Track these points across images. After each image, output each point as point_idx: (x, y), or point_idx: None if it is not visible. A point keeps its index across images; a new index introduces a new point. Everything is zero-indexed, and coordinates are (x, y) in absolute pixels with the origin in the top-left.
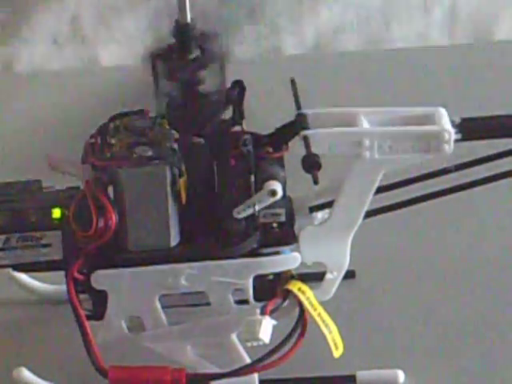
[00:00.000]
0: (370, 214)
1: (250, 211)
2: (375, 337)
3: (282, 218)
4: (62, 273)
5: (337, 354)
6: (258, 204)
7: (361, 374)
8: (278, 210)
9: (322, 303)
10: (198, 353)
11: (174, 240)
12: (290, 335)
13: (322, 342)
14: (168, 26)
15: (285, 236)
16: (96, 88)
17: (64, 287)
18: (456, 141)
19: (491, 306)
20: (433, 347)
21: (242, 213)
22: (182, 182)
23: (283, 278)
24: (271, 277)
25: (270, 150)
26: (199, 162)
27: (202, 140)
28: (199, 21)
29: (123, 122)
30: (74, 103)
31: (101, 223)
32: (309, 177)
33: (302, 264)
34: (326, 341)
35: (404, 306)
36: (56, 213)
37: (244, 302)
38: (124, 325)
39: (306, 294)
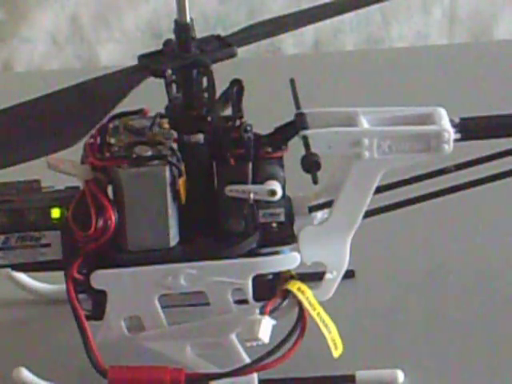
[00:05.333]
0: (369, 213)
1: (242, 195)
2: (375, 337)
3: (282, 218)
4: (62, 273)
5: (336, 353)
6: (253, 194)
7: (360, 374)
8: (277, 210)
9: (322, 303)
10: (197, 353)
11: (174, 240)
12: (289, 335)
13: (322, 341)
14: (167, 25)
15: (284, 236)
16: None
17: (64, 287)
18: (455, 140)
19: (491, 306)
20: (433, 347)
21: (234, 193)
22: (181, 181)
23: (283, 277)
24: (271, 277)
25: (270, 150)
26: (199, 162)
27: (201, 139)
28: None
29: (123, 121)
30: None
31: (100, 223)
32: (309, 177)
33: (302, 264)
34: (325, 341)
35: (404, 305)
36: (55, 213)
37: (243, 301)
38: (123, 325)
39: (306, 294)
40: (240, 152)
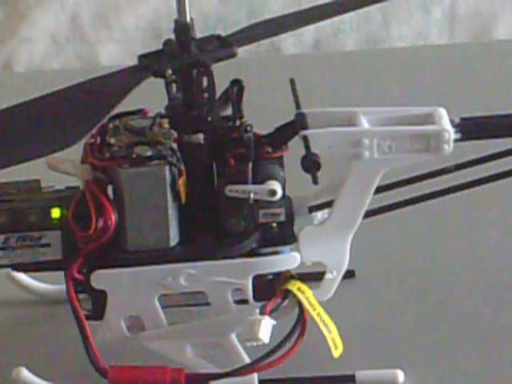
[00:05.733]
0: (369, 213)
1: (242, 195)
2: (375, 337)
3: (282, 218)
4: (62, 273)
5: (336, 353)
6: (253, 194)
7: (360, 374)
8: (277, 210)
9: (322, 303)
10: (197, 353)
11: (174, 240)
12: (289, 335)
13: (322, 341)
14: (167, 25)
15: (284, 236)
16: None
17: (64, 287)
18: (455, 140)
19: (491, 306)
20: (433, 347)
21: (234, 192)
22: (181, 181)
23: (283, 277)
24: (271, 277)
25: (270, 149)
26: (199, 162)
27: (201, 139)
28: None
29: (123, 121)
30: None
31: (100, 223)
32: (309, 177)
33: (302, 264)
34: (325, 341)
35: (404, 305)
36: (55, 213)
37: (243, 301)
38: (123, 325)
39: (306, 294)
40: (240, 152)
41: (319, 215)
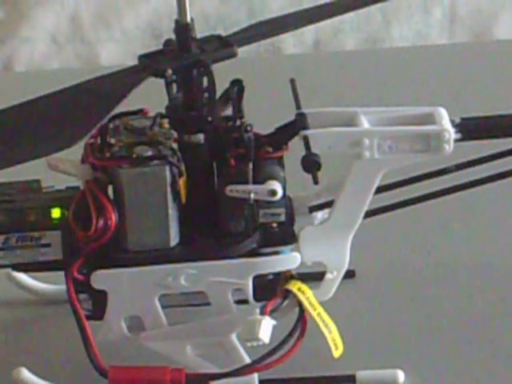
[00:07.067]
0: (369, 213)
1: (243, 195)
2: (375, 337)
3: (282, 218)
4: (62, 273)
5: (336, 353)
6: (253, 194)
7: (360, 374)
8: (277, 210)
9: (322, 303)
10: (197, 353)
11: (174, 240)
12: (289, 335)
13: (322, 341)
14: (167, 25)
15: (284, 236)
16: None
17: (64, 287)
18: (456, 140)
19: (491, 306)
20: (433, 347)
21: (234, 193)
22: (181, 181)
23: (283, 277)
24: (271, 277)
25: (270, 150)
26: (199, 162)
27: (201, 139)
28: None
29: (123, 121)
30: None
31: (100, 223)
32: (309, 177)
33: (302, 264)
34: (325, 341)
35: (404, 305)
36: (55, 213)
37: (244, 301)
38: (124, 325)
39: (306, 294)
40: (240, 152)
41: (319, 215)
